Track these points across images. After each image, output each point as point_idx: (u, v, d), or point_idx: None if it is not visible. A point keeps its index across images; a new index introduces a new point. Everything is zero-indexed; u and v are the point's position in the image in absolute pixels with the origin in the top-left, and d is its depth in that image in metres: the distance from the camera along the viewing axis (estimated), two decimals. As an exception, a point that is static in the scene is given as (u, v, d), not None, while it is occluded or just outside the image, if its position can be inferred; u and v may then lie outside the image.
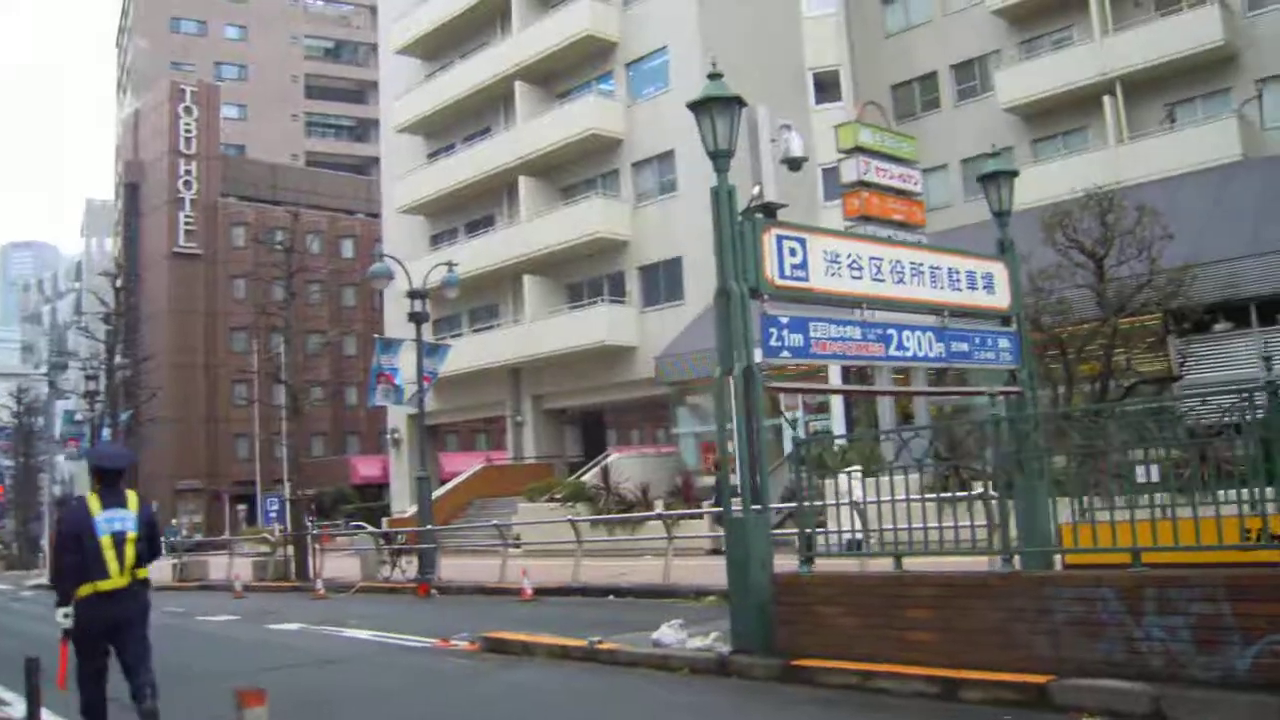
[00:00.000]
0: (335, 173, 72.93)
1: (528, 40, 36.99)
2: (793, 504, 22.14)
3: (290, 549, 25.75)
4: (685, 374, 29.73)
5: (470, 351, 36.25)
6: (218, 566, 28.92)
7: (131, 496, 7.03)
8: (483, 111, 39.97)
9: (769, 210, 9.85)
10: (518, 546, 27.03)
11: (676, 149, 33.09)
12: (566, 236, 34.60)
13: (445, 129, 41.62)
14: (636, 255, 34.27)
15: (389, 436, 43.41)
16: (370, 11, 69.70)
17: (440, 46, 41.82)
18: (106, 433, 32.09)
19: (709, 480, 25.51)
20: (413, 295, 22.62)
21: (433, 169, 41.08)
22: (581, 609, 15.42)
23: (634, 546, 22.26)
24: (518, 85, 37.27)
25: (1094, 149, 29.65)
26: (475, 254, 36.85)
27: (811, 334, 10.07)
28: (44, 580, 36.90)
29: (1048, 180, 27.38)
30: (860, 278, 10.69)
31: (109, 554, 6.70)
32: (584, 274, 35.94)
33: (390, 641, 12.85)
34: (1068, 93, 29.96)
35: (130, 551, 6.80)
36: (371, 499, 52.96)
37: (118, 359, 31.85)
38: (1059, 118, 30.99)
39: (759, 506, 9.20)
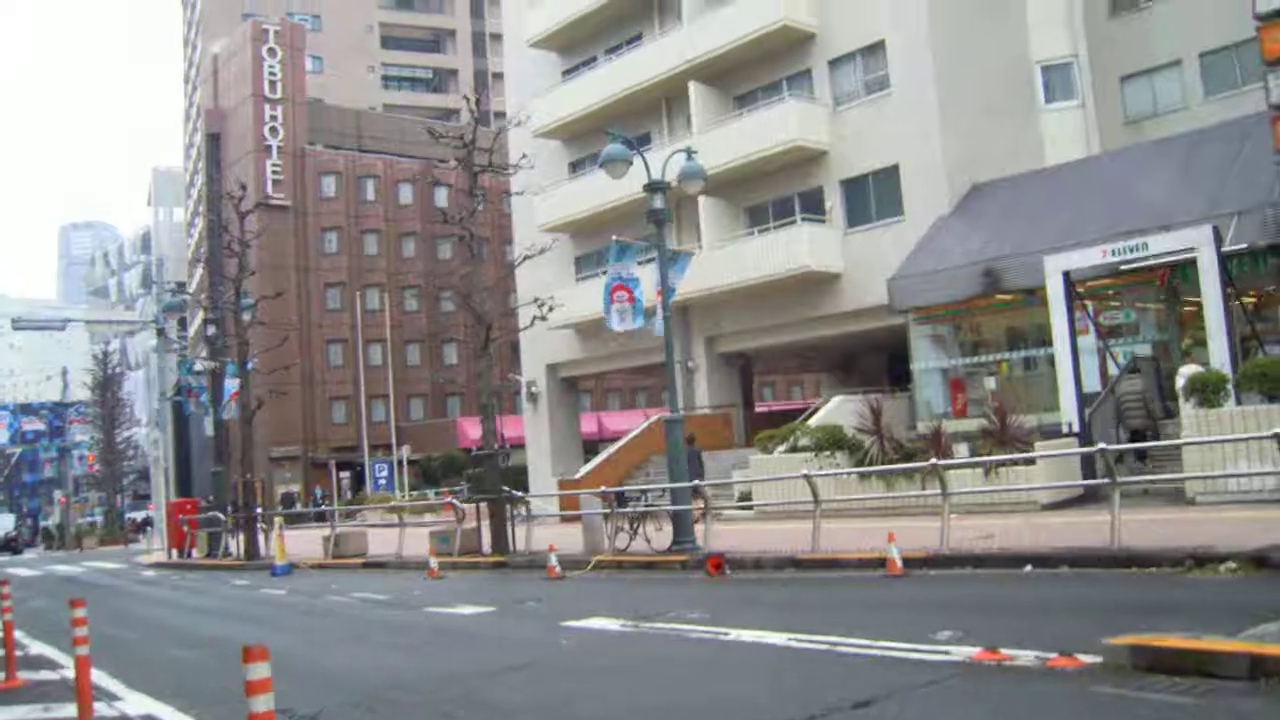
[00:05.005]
0: (422, 119, 68.10)
1: (690, -75, 31.69)
2: (1152, 443, 16.97)
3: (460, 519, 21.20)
4: (927, 299, 24.62)
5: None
6: (379, 540, 24.30)
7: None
8: (631, 16, 34.75)
9: None
10: (724, 511, 22.26)
11: (888, 39, 27.81)
12: (752, 149, 29.31)
13: (585, 40, 36.45)
14: (837, 168, 28.98)
15: (525, 390, 38.56)
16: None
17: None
18: (233, 383, 27.49)
19: (957, 425, 20.50)
20: (651, 188, 17.79)
21: (572, 85, 35.89)
22: (1019, 588, 10.38)
23: (917, 504, 17.29)
24: (682, -22, 32.04)
25: None
26: (630, 177, 31.63)
27: None
28: (162, 558, 32.67)
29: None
30: None
31: None
32: (769, 193, 30.68)
33: (864, 654, 7.50)
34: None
35: None
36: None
37: (245, 299, 27.06)
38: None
39: None
